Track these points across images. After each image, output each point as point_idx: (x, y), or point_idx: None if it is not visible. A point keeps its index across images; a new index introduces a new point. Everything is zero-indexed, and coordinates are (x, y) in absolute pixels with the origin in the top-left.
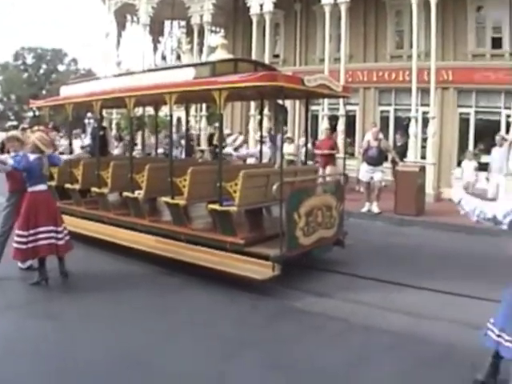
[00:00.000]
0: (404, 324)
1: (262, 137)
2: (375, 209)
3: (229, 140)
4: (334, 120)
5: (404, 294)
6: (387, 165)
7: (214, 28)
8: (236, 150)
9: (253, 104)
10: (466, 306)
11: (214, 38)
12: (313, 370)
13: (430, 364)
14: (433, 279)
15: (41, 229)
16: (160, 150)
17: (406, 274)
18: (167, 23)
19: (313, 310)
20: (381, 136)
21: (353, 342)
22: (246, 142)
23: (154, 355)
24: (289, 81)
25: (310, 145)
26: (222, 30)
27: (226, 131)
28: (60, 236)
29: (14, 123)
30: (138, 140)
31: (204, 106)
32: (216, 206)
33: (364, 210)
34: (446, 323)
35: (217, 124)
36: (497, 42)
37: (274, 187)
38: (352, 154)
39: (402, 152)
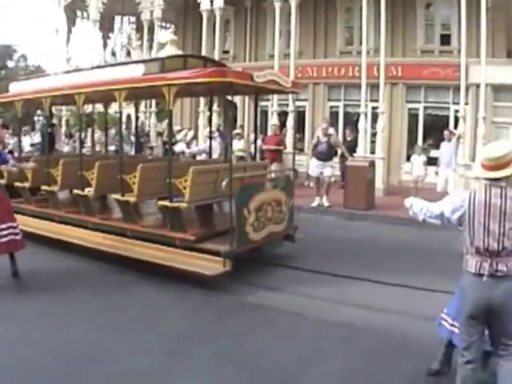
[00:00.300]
0: (356, 317)
1: (211, 133)
2: (325, 202)
3: (179, 136)
4: (283, 116)
5: (356, 287)
6: (337, 160)
7: (164, 24)
8: (188, 145)
9: (202, 100)
10: (417, 298)
11: (164, 34)
12: (264, 364)
13: (383, 355)
14: (384, 272)
15: (1, 226)
16: (112, 148)
17: (357, 268)
18: (117, 19)
19: (264, 304)
20: (332, 131)
21: (305, 336)
22: (195, 137)
23: (105, 353)
24: (238, 76)
25: (259, 141)
26: (173, 26)
27: (176, 127)
28: (17, 231)
29: None
30: (88, 137)
31: (154, 102)
32: (166, 203)
33: (314, 204)
34: (398, 315)
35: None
36: (445, 39)
37: (224, 183)
38: (301, 150)
39: (352, 147)
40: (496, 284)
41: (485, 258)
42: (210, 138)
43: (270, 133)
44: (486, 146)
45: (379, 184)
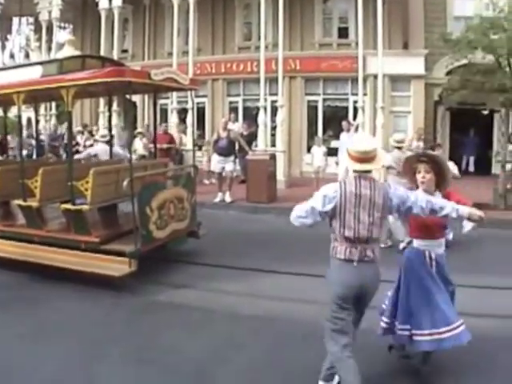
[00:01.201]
0: (268, 308)
1: (110, 132)
2: (228, 198)
3: (79, 137)
4: (183, 113)
5: (266, 279)
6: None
7: (62, 24)
8: (107, 142)
9: (102, 100)
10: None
11: (63, 35)
12: (179, 362)
13: (295, 342)
14: (292, 263)
15: None
16: (24, 152)
17: (265, 260)
18: (15, 20)
19: (176, 302)
20: (234, 126)
21: (218, 331)
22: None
23: (18, 362)
24: (136, 75)
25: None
26: (71, 26)
27: (77, 128)
28: None
29: None
30: None
31: (54, 104)
32: (69, 206)
33: (217, 200)
34: (309, 304)
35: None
36: (343, 32)
37: (125, 183)
38: (200, 147)
39: (250, 142)
40: (365, 268)
41: (354, 244)
42: (111, 137)
43: (171, 130)
44: (355, 138)
45: (281, 176)
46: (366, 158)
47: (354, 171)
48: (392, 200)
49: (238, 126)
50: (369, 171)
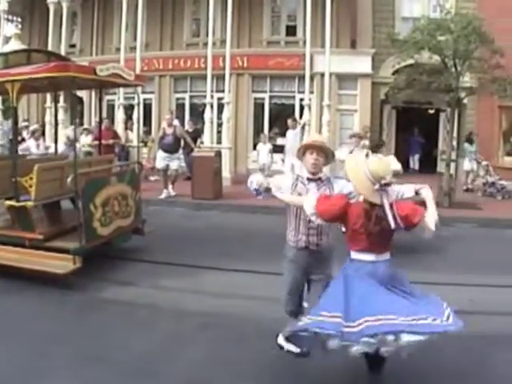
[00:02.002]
0: (216, 305)
1: (56, 128)
2: (172, 192)
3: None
4: (130, 109)
5: (213, 276)
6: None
7: (10, 17)
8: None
9: (49, 96)
10: (273, 283)
11: (11, 28)
12: (126, 359)
13: (242, 338)
14: (239, 260)
15: None
16: None
17: (211, 257)
18: None
19: (121, 299)
20: (176, 123)
21: (165, 327)
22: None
23: None
24: (80, 71)
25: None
26: (19, 19)
27: (24, 123)
28: None
29: None
30: None
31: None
32: (13, 202)
33: (162, 197)
34: (254, 300)
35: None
36: (291, 30)
37: (69, 179)
38: (145, 143)
39: (195, 138)
40: None
41: None
42: (56, 134)
43: (117, 127)
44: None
45: (226, 173)
46: None
47: None
48: None
49: (177, 122)
50: None
